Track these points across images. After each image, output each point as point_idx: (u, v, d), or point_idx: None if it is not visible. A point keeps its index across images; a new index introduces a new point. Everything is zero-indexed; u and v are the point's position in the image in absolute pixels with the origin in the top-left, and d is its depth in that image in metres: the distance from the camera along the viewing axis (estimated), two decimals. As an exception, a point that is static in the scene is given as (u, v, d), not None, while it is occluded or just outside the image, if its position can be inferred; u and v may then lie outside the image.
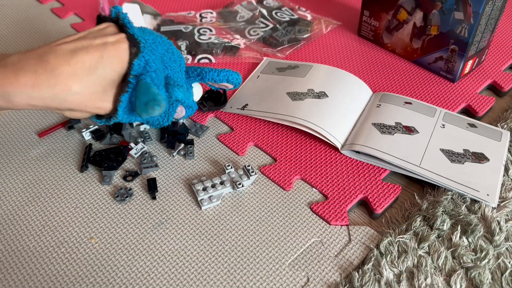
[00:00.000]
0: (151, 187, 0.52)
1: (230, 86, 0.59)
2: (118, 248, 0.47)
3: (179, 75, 0.53)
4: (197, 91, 0.59)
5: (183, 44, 0.72)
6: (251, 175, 0.53)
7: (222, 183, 0.52)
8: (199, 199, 0.51)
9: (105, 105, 0.47)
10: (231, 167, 0.54)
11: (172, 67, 0.52)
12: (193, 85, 0.58)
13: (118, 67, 0.46)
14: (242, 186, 0.52)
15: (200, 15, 0.81)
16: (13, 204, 0.51)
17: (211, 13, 0.81)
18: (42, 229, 0.49)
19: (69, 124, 0.60)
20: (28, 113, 0.63)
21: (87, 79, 0.44)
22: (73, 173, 0.55)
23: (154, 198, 0.52)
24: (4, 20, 0.82)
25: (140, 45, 0.47)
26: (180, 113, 0.54)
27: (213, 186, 0.52)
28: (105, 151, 0.56)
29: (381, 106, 0.60)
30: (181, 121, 0.60)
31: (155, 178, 0.53)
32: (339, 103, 0.60)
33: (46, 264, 0.46)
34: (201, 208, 0.51)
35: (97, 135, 0.58)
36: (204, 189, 0.52)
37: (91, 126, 0.59)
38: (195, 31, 0.76)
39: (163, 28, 0.76)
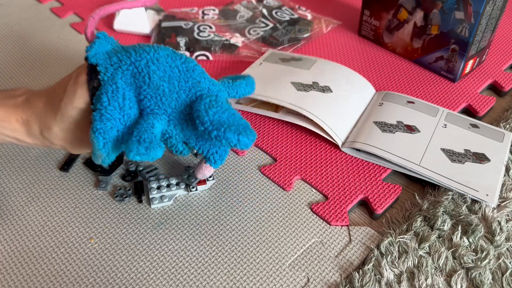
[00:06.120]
0: (138, 190, 0.52)
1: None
2: (117, 248, 0.47)
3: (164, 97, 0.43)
4: None
5: (182, 41, 0.72)
6: (208, 180, 0.52)
7: (178, 183, 0.52)
8: (150, 197, 0.50)
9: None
10: (192, 169, 0.53)
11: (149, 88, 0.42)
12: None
13: (80, 103, 0.42)
14: (196, 189, 0.52)
15: (203, 12, 0.81)
16: (13, 204, 0.51)
17: (214, 10, 0.81)
18: (42, 229, 0.49)
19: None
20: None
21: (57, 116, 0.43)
22: (73, 173, 0.54)
23: (140, 201, 0.51)
24: (3, 20, 0.82)
25: (100, 76, 0.41)
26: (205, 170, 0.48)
27: (168, 186, 0.51)
28: None
29: (383, 105, 0.60)
30: None
31: (142, 181, 0.53)
32: (342, 99, 0.59)
33: (45, 264, 0.46)
34: (150, 206, 0.51)
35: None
36: (158, 187, 0.51)
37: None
38: (195, 27, 0.75)
39: (164, 24, 0.76)
